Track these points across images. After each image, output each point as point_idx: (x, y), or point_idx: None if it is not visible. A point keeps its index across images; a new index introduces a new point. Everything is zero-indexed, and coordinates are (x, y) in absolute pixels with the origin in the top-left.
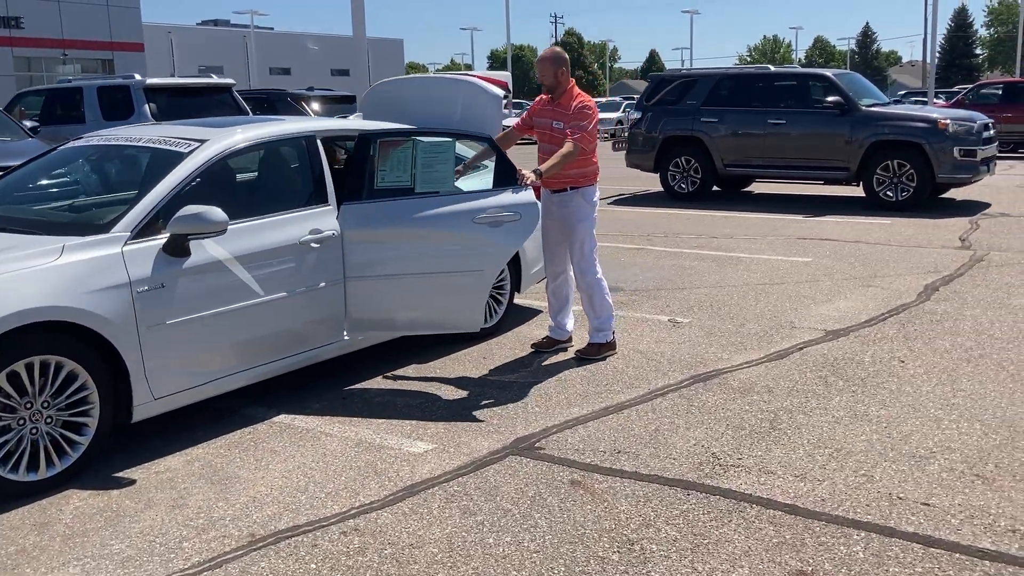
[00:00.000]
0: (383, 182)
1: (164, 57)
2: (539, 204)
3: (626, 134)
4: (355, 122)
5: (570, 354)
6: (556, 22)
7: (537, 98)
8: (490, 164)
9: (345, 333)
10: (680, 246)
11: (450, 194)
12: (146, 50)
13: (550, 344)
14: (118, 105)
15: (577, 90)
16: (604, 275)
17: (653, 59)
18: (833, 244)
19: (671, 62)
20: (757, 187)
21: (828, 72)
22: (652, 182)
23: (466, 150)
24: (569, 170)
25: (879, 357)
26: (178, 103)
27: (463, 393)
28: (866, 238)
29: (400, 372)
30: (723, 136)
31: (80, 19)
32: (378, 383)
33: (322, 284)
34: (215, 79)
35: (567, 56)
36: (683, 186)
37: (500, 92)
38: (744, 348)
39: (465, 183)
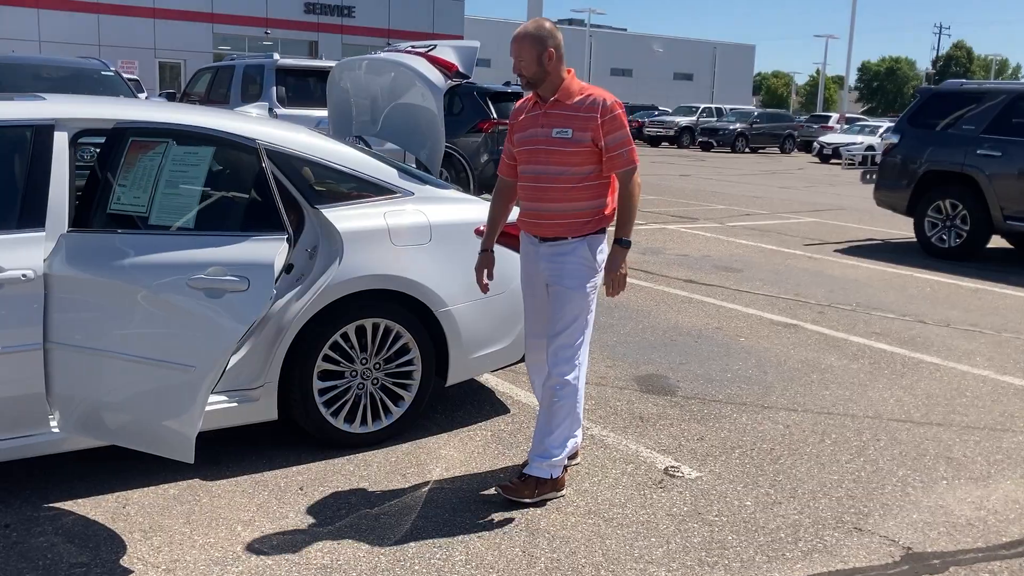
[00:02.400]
0: (118, 203)
1: (506, 54)
2: (275, 268)
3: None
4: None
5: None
6: (940, 33)
7: (514, 109)
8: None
9: (55, 424)
10: (853, 330)
11: (186, 233)
12: (492, 48)
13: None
14: (253, 85)
15: (579, 82)
16: (682, 360)
17: None
18: None
19: None
20: None
21: None
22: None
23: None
24: (571, 203)
25: None
26: (313, 87)
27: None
28: None
29: (135, 495)
30: (1006, 177)
31: (406, 10)
32: (98, 507)
33: None
34: None
35: (558, 33)
36: (944, 239)
37: (440, 80)
38: (710, 563)
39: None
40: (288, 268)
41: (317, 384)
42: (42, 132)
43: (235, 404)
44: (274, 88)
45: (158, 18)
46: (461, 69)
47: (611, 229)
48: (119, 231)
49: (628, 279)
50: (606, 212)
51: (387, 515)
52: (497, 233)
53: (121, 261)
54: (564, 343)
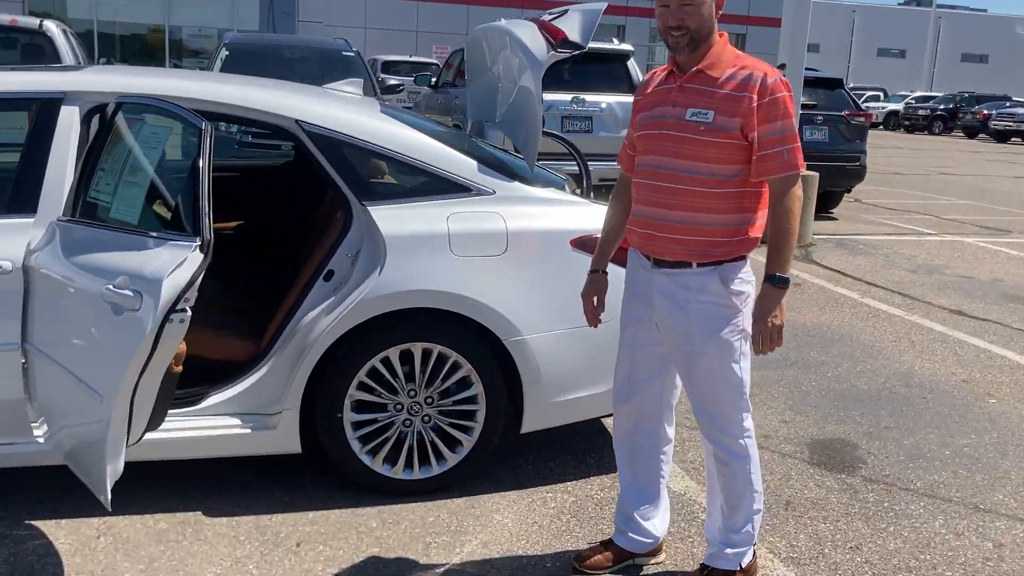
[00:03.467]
0: (95, 190)
1: (842, 38)
2: (164, 284)
3: None
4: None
5: None
6: None
7: (641, 83)
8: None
9: (39, 433)
10: None
11: (123, 230)
12: (819, 31)
13: (618, 558)
14: None
15: (734, 49)
16: (890, 422)
17: None
18: None
19: None
20: None
21: None
22: None
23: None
24: (700, 215)
25: None
26: (573, 70)
27: None
28: None
29: (121, 524)
30: None
31: None
32: (75, 532)
33: None
34: (615, 44)
35: None
36: None
37: (542, 51)
38: None
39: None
40: (328, 275)
41: (350, 416)
42: (47, 106)
43: (248, 430)
44: None
45: (472, 4)
46: (572, 37)
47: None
48: (77, 223)
49: (874, 303)
50: (750, 233)
51: None
52: (614, 248)
53: (74, 258)
54: (714, 410)
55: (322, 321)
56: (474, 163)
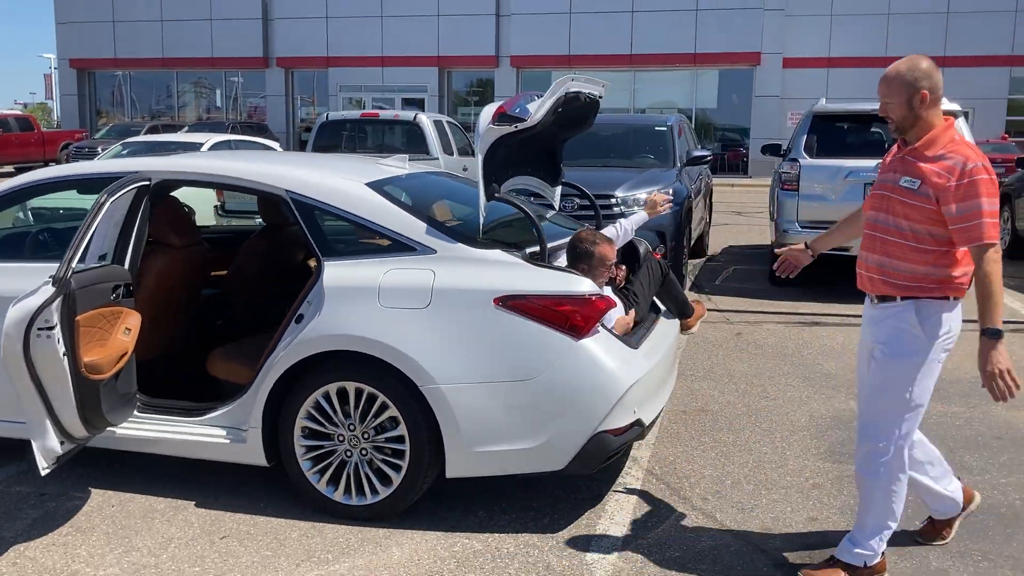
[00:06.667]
0: None
1: None
2: (9, 312)
3: None
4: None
5: None
6: None
7: (888, 151)
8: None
9: None
10: None
11: None
12: None
13: (945, 527)
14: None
15: (955, 135)
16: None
17: None
18: None
19: None
20: None
21: None
22: None
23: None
24: (895, 261)
25: None
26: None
27: None
28: None
29: (228, 520)
30: None
31: None
32: (188, 523)
33: None
34: None
35: (936, 74)
36: None
37: (483, 124)
38: None
39: None
40: (299, 319)
41: (300, 440)
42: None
43: (229, 441)
44: (804, 136)
45: (946, 66)
46: (511, 111)
47: None
48: None
49: None
50: (951, 281)
51: None
52: (831, 239)
53: None
54: (869, 419)
55: (279, 357)
56: (423, 225)
